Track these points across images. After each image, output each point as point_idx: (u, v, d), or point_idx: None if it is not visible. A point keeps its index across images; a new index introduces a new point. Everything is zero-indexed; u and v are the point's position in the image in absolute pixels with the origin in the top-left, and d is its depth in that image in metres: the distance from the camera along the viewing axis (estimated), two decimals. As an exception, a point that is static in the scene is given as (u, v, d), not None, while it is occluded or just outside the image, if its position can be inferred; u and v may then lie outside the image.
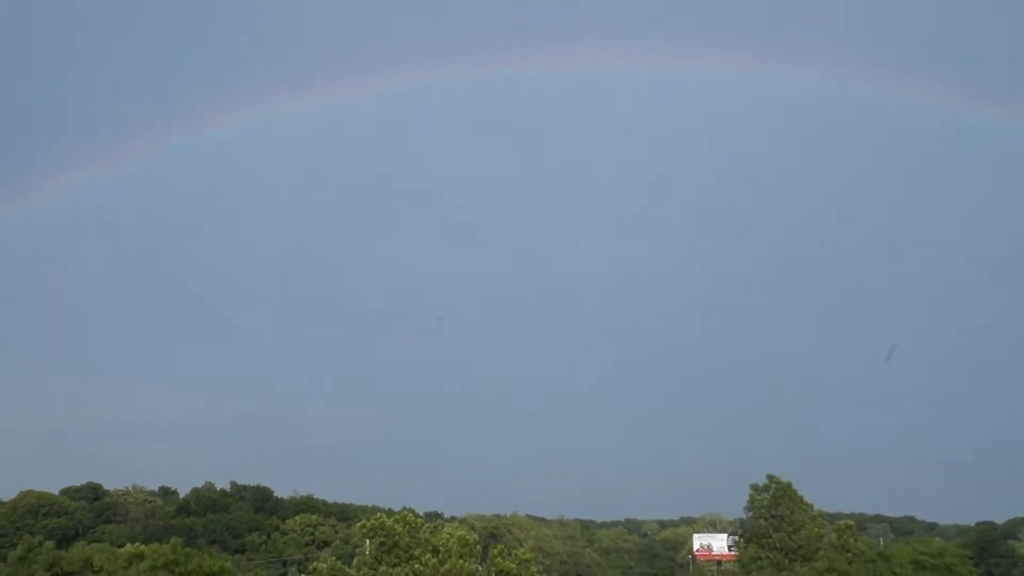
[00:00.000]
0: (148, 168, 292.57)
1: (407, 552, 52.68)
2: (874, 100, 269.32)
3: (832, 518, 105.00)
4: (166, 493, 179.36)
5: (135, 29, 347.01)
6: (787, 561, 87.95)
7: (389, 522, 54.71)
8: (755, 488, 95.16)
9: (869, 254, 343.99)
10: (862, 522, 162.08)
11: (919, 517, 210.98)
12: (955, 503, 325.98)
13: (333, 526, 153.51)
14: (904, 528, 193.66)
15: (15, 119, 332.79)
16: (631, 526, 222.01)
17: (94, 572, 57.60)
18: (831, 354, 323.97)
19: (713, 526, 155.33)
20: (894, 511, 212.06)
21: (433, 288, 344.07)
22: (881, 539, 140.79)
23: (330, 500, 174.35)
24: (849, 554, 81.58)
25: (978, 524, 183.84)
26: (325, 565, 54.53)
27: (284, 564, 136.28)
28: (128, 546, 62.67)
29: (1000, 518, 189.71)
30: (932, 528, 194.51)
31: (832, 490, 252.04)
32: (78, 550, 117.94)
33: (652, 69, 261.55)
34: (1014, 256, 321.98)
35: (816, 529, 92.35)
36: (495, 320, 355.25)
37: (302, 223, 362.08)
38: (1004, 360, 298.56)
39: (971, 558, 74.61)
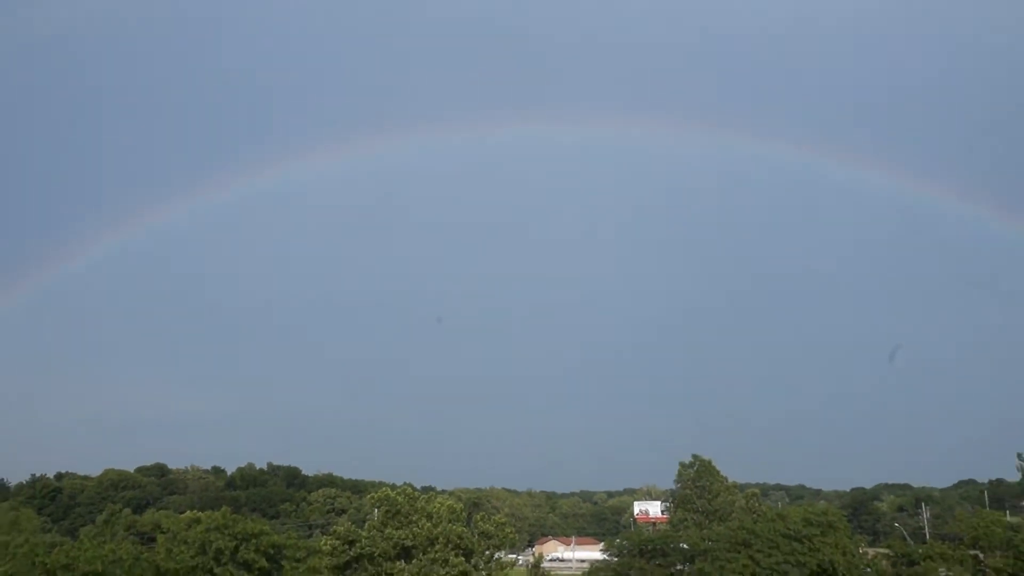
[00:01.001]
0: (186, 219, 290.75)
1: (407, 518, 51.87)
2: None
3: (742, 487, 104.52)
4: (217, 471, 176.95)
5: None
6: (707, 522, 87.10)
7: (393, 494, 53.85)
8: (683, 464, 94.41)
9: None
10: (765, 490, 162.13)
11: (808, 485, 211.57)
12: (835, 473, 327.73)
13: (349, 497, 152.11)
14: (797, 494, 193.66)
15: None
16: (585, 496, 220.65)
17: (162, 532, 56.43)
18: (742, 354, 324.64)
19: (650, 495, 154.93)
20: (789, 480, 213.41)
21: (435, 295, 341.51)
22: (779, 503, 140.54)
23: (346, 477, 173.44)
24: (755, 515, 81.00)
25: (852, 489, 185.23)
26: (342, 528, 53.65)
27: (310, 527, 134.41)
28: (188, 513, 61.20)
29: (868, 484, 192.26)
30: (818, 493, 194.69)
31: (742, 464, 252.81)
32: (149, 516, 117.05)
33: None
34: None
35: (730, 496, 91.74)
36: (486, 325, 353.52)
37: (331, 262, 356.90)
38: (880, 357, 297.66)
39: (846, 516, 74.41)
